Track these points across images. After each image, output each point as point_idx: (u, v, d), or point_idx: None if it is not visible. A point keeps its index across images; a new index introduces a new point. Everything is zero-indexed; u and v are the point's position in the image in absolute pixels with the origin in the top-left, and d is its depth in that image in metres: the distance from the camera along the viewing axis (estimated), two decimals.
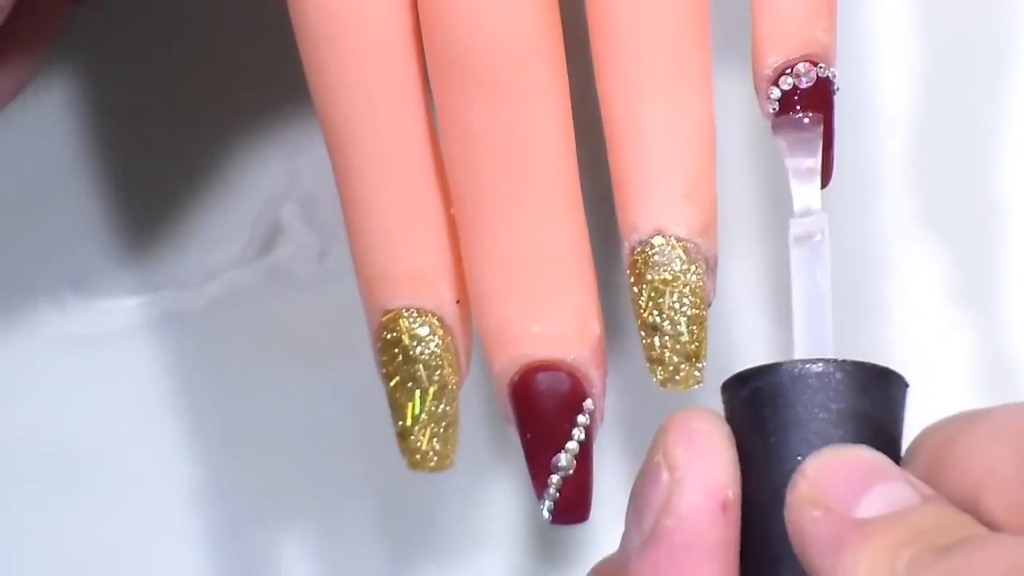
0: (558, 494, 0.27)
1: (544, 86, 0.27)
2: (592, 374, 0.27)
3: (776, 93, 0.28)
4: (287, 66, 0.37)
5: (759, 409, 0.26)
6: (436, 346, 0.28)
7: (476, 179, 0.27)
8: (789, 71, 0.28)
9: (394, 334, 0.28)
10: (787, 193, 0.30)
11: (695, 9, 0.28)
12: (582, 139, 0.29)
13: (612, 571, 0.27)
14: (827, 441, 0.26)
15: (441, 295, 0.28)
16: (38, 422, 0.38)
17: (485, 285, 0.28)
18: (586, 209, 0.29)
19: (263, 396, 0.37)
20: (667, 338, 0.27)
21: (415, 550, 0.37)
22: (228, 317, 0.38)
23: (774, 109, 0.28)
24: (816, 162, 0.28)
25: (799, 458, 0.26)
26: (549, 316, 0.27)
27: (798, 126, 0.28)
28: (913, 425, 0.28)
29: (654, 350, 0.27)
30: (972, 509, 0.25)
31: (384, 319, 0.28)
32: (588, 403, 0.27)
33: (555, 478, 0.27)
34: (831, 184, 0.29)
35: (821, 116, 0.28)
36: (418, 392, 0.28)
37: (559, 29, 0.28)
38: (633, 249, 0.28)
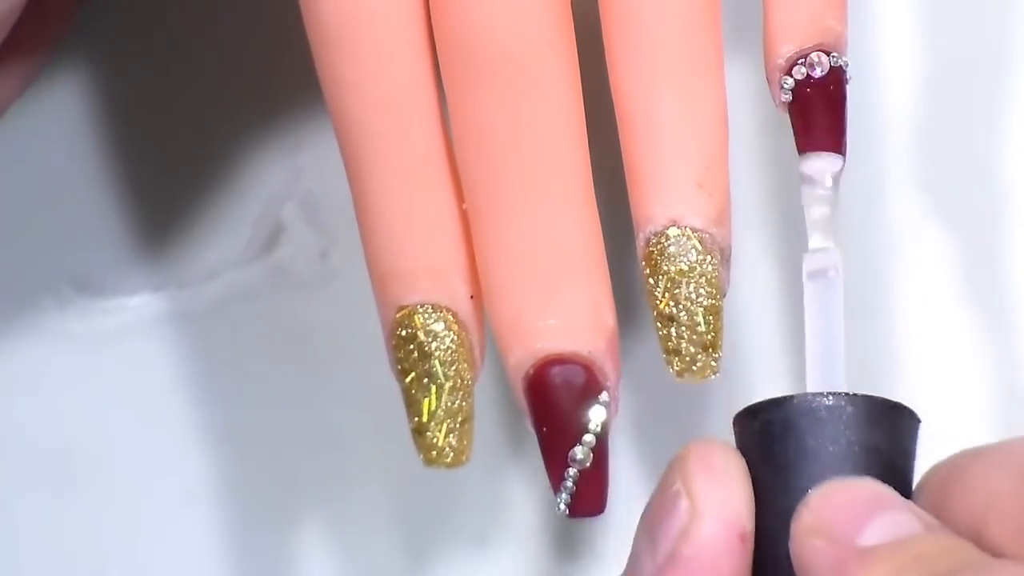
0: (575, 487, 0.27)
1: (556, 80, 0.27)
2: (607, 367, 0.28)
3: (789, 82, 0.28)
4: (289, 65, 0.37)
5: (770, 442, 0.27)
6: (451, 342, 0.28)
7: (489, 174, 0.28)
8: (802, 60, 0.28)
9: (409, 330, 0.28)
10: (793, 186, 0.30)
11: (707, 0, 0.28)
12: (594, 132, 0.29)
13: None
14: (836, 473, 0.26)
15: (456, 290, 0.28)
16: (39, 421, 0.38)
17: (499, 279, 0.28)
18: (597, 202, 0.29)
19: (264, 395, 0.37)
20: (684, 329, 0.27)
21: (416, 549, 0.37)
22: (229, 316, 0.38)
23: (787, 98, 0.28)
24: (830, 206, 0.28)
25: (808, 490, 0.26)
26: (563, 309, 0.27)
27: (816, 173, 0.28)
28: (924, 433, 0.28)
29: (671, 341, 0.27)
30: (976, 539, 0.25)
31: (399, 315, 0.28)
32: (604, 396, 0.27)
33: (572, 471, 0.27)
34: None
35: (839, 156, 0.28)
36: (434, 388, 0.28)
37: (571, 23, 0.28)
38: (648, 240, 0.28)
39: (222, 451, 0.37)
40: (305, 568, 0.37)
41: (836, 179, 0.29)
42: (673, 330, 0.27)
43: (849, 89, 0.28)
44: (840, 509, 0.26)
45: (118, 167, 0.38)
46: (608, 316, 0.28)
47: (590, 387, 0.27)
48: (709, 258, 0.27)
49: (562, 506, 0.27)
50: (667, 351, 0.27)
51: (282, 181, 0.38)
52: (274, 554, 0.37)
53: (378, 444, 0.37)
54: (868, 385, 0.28)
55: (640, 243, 0.28)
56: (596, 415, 0.27)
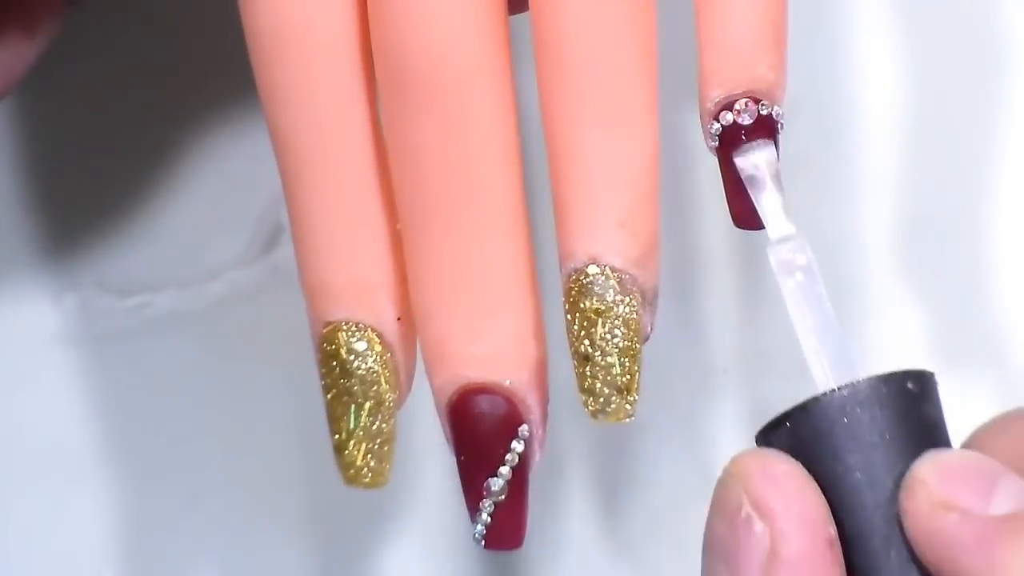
0: (490, 519, 0.26)
1: (488, 105, 0.27)
2: (530, 399, 0.27)
3: (716, 128, 0.27)
4: None
5: (828, 442, 0.26)
6: (373, 361, 0.27)
7: (420, 195, 0.27)
8: (729, 107, 0.27)
9: (332, 346, 0.27)
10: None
11: (641, 36, 0.27)
12: (540, 157, 0.28)
13: None
14: (909, 453, 0.26)
15: (381, 310, 0.27)
16: (39, 420, 0.38)
17: (426, 301, 0.27)
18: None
19: (264, 395, 0.37)
20: (598, 369, 0.26)
21: (416, 549, 0.37)
22: (230, 316, 0.37)
23: (715, 143, 0.27)
24: (779, 192, 0.27)
25: (885, 479, 0.26)
26: (487, 337, 0.27)
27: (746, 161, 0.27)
28: None
29: (586, 380, 0.26)
30: None
31: (324, 331, 0.27)
32: (523, 429, 0.26)
33: (487, 503, 0.26)
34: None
35: (767, 141, 0.27)
36: (353, 407, 0.27)
37: (507, 48, 0.27)
38: (569, 276, 0.27)
39: (222, 451, 0.37)
40: (305, 568, 0.37)
41: (774, 168, 0.27)
42: (588, 370, 0.26)
43: (781, 139, 0.27)
44: (960, 481, 0.25)
45: (118, 167, 0.38)
46: (531, 347, 0.27)
47: (509, 419, 0.26)
48: (628, 299, 0.26)
49: (477, 536, 0.27)
50: (582, 390, 0.27)
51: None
52: (274, 554, 0.37)
53: None
54: None
55: (562, 278, 0.27)
56: (514, 448, 0.26)
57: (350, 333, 0.27)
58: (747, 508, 0.26)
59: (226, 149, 0.38)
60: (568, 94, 0.27)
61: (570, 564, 0.36)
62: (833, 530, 0.26)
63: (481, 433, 0.26)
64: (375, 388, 0.27)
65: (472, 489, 0.26)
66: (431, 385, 0.27)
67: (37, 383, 0.38)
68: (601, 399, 0.26)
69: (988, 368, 0.36)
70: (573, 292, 0.26)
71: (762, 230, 0.27)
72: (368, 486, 0.27)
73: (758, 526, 0.25)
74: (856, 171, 0.36)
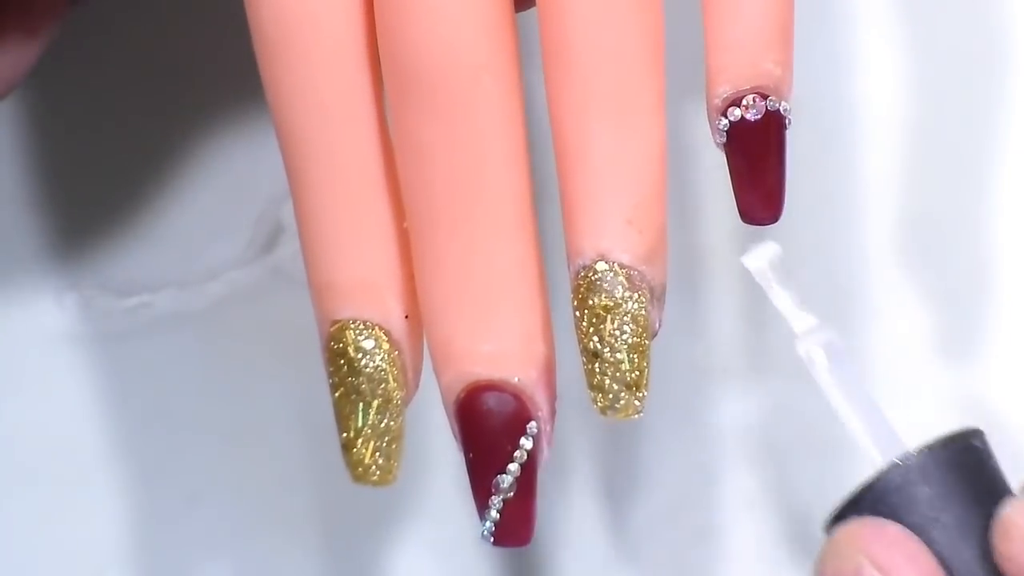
0: (499, 516, 0.26)
1: (495, 103, 0.27)
2: (538, 396, 0.27)
3: (724, 124, 0.27)
4: None
5: (909, 508, 0.28)
6: (381, 360, 0.27)
7: (427, 194, 0.27)
8: (737, 103, 0.27)
9: (340, 345, 0.27)
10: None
11: (648, 34, 0.27)
12: (547, 155, 0.28)
13: None
14: (988, 504, 0.28)
15: (388, 308, 0.27)
16: (40, 420, 0.38)
17: (434, 300, 0.27)
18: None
19: (264, 394, 0.37)
20: (607, 366, 0.26)
21: (416, 549, 0.37)
22: (230, 316, 0.38)
23: (722, 140, 0.28)
24: (787, 287, 0.29)
25: (975, 529, 0.28)
26: (495, 335, 0.27)
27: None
28: None
29: (595, 377, 0.27)
30: None
31: (332, 329, 0.27)
32: (532, 426, 0.27)
33: (496, 499, 0.26)
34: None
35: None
36: (361, 405, 0.27)
37: (514, 45, 0.27)
38: (577, 273, 0.27)
39: (222, 451, 0.37)
40: (305, 568, 0.37)
41: (778, 264, 0.29)
42: (597, 366, 0.27)
43: (788, 134, 0.28)
44: None
45: (119, 167, 0.38)
46: (540, 344, 0.27)
47: (518, 416, 0.27)
48: (636, 295, 0.27)
49: (486, 533, 0.27)
50: (591, 387, 0.27)
51: (282, 181, 0.37)
52: (274, 554, 0.37)
53: None
54: None
55: (570, 275, 0.27)
56: (523, 444, 0.26)
57: (358, 331, 0.27)
58: (869, 570, 0.27)
59: (226, 150, 0.38)
60: (576, 92, 0.27)
61: (569, 563, 0.36)
62: None
63: (489, 430, 0.26)
64: (383, 386, 0.27)
65: (481, 486, 0.26)
66: (439, 383, 0.27)
67: (37, 383, 0.38)
68: (610, 395, 0.26)
69: (991, 364, 0.36)
70: (582, 289, 0.27)
71: (768, 225, 0.28)
72: (376, 484, 0.27)
73: None
74: (857, 171, 0.36)
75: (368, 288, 0.27)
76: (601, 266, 0.26)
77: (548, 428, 0.27)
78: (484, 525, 0.26)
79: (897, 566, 0.27)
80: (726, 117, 0.27)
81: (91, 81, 0.38)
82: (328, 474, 0.37)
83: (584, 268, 0.27)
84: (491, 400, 0.26)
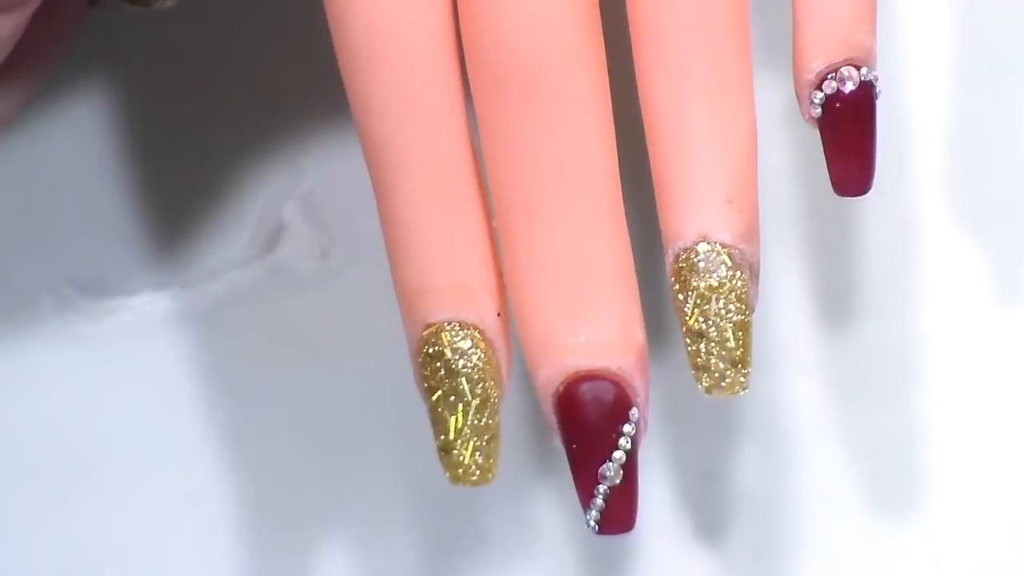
0: (605, 504, 0.27)
1: (588, 95, 0.27)
2: (637, 383, 0.28)
3: (819, 97, 0.28)
4: (291, 66, 0.37)
5: None
6: (479, 359, 0.28)
7: (521, 190, 0.28)
8: (832, 75, 0.28)
9: (436, 348, 0.28)
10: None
11: (737, 15, 0.28)
12: (620, 145, 0.29)
13: None
14: None
15: (483, 308, 0.28)
16: (40, 420, 0.38)
17: (529, 295, 0.28)
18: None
19: (264, 395, 0.37)
20: (713, 345, 0.27)
21: (416, 549, 0.37)
22: (230, 316, 0.38)
23: (817, 113, 0.28)
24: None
25: None
26: (594, 325, 0.27)
27: None
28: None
29: (699, 357, 0.27)
30: None
31: (425, 333, 0.28)
32: (634, 412, 0.27)
33: (602, 488, 0.27)
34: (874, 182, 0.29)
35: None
36: (460, 406, 0.28)
37: (601, 37, 0.28)
38: (677, 256, 0.28)
39: (223, 451, 0.37)
40: (304, 568, 0.37)
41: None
42: (702, 346, 0.27)
43: (879, 103, 0.29)
44: None
45: (119, 167, 0.38)
46: (638, 332, 0.28)
47: (620, 403, 0.27)
48: (739, 273, 0.27)
49: (591, 523, 0.27)
50: (696, 367, 0.28)
51: (282, 181, 0.38)
52: (273, 554, 0.37)
53: (379, 444, 0.37)
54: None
55: (669, 258, 0.28)
56: (626, 431, 0.27)
57: (454, 333, 0.28)
58: None
59: (227, 149, 0.38)
60: (672, 75, 0.27)
61: (567, 562, 0.37)
62: None
63: (593, 420, 0.27)
64: (481, 385, 0.28)
65: (585, 476, 0.27)
66: (535, 377, 0.28)
67: (37, 383, 0.38)
68: (716, 374, 0.27)
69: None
70: (684, 271, 0.27)
71: (861, 195, 0.28)
72: (476, 484, 0.28)
73: None
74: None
75: (463, 289, 0.28)
76: (703, 247, 0.27)
77: (646, 412, 0.28)
78: (589, 515, 0.27)
79: None
80: (822, 90, 0.28)
81: (91, 82, 0.38)
82: (325, 474, 0.37)
83: (685, 250, 0.27)
84: (593, 390, 0.27)
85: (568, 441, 0.28)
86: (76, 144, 0.38)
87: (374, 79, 0.28)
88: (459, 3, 0.28)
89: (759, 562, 0.36)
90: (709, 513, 0.36)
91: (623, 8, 0.29)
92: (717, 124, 0.28)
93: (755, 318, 0.36)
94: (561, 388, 0.28)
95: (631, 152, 0.29)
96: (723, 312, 0.27)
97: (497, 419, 0.28)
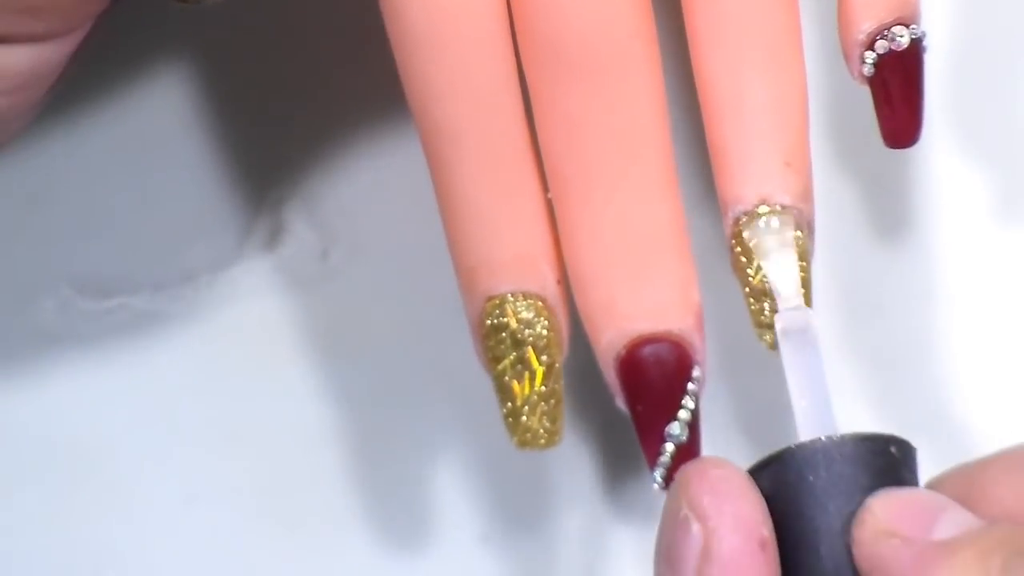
0: (671, 462, 0.28)
1: (642, 68, 0.28)
2: (696, 342, 0.29)
3: (872, 57, 0.29)
4: (291, 65, 0.38)
5: (804, 484, 0.27)
6: (543, 327, 0.29)
7: (578, 162, 0.28)
8: (884, 35, 0.29)
9: (501, 319, 0.29)
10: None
11: None
12: None
13: None
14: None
15: (545, 277, 0.29)
16: (39, 421, 0.37)
17: (590, 264, 0.29)
18: None
19: (264, 395, 0.37)
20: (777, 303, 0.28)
21: (416, 549, 0.37)
22: (230, 316, 0.38)
23: (870, 72, 0.29)
24: (795, 267, 0.29)
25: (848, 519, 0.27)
26: (655, 289, 0.28)
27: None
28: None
29: (763, 315, 0.28)
30: None
31: (488, 305, 0.29)
32: (696, 370, 0.28)
33: (669, 447, 0.28)
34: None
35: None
36: (527, 374, 0.29)
37: (651, 9, 0.29)
38: (738, 219, 0.29)
39: (223, 451, 0.37)
40: (305, 568, 0.37)
41: (802, 234, 0.29)
42: (766, 304, 0.28)
43: (925, 58, 0.30)
44: (905, 512, 0.26)
45: (119, 167, 0.38)
46: (695, 293, 0.29)
47: (683, 363, 0.28)
48: (799, 233, 0.28)
49: (658, 480, 0.28)
50: (759, 325, 0.29)
51: (283, 181, 0.38)
52: (273, 554, 0.37)
53: (379, 444, 0.37)
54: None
55: (728, 222, 0.29)
56: (690, 390, 0.28)
57: (518, 303, 0.29)
58: (684, 510, 0.27)
59: (226, 148, 0.38)
60: (729, 41, 0.29)
61: (564, 563, 0.37)
62: (767, 531, 0.26)
63: (658, 381, 0.28)
64: (546, 353, 0.29)
65: (651, 437, 0.28)
66: (597, 343, 0.29)
67: (37, 383, 0.37)
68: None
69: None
70: (746, 233, 0.28)
71: (910, 147, 0.30)
72: (544, 447, 0.29)
73: (694, 527, 0.26)
74: None
75: (525, 260, 0.29)
76: (764, 209, 0.28)
77: (704, 370, 0.29)
78: (656, 473, 0.28)
79: (707, 510, 0.26)
80: (873, 50, 0.29)
81: (89, 82, 0.38)
82: (319, 474, 0.37)
83: (746, 214, 0.28)
84: (657, 352, 0.28)
85: (633, 403, 0.28)
86: (76, 144, 0.38)
87: (432, 63, 0.29)
88: None
89: None
90: None
91: None
92: (773, 88, 0.29)
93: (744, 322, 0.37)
94: (624, 352, 0.28)
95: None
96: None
97: (561, 383, 0.29)
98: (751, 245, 0.28)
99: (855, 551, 0.26)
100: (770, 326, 0.28)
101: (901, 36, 0.29)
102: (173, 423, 0.38)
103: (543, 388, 0.29)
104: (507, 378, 0.29)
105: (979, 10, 0.37)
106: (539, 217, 0.29)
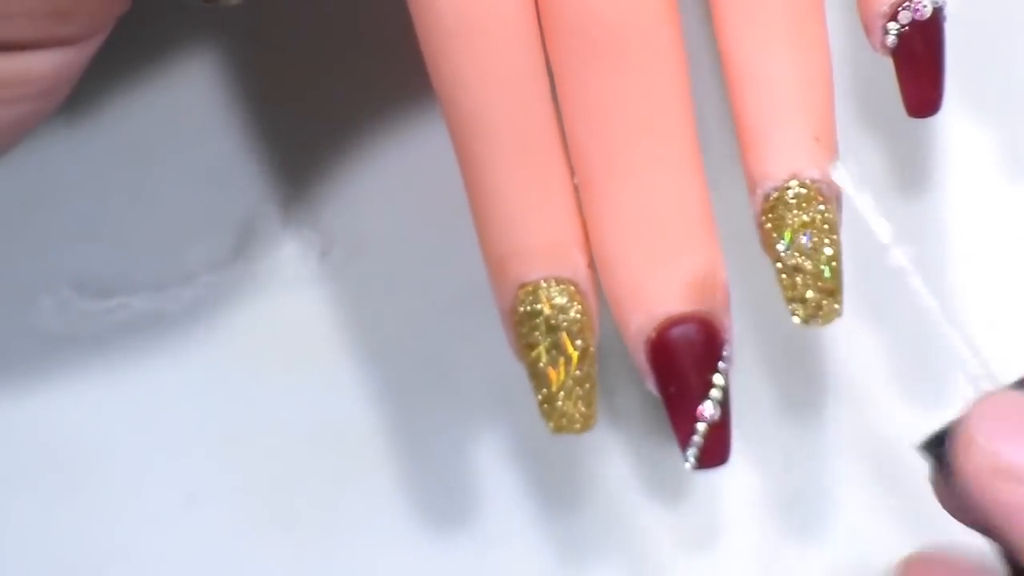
0: (703, 441, 0.29)
1: (671, 49, 0.29)
2: (725, 320, 0.29)
3: (895, 27, 0.29)
4: (288, 65, 0.38)
5: None
6: (576, 312, 0.29)
7: (606, 147, 0.29)
8: (907, 5, 0.29)
9: (535, 306, 0.29)
10: None
11: None
12: None
13: None
14: None
15: (577, 262, 0.29)
16: (39, 421, 0.37)
17: (618, 246, 0.29)
18: None
19: (264, 395, 0.38)
20: (809, 277, 0.29)
21: (415, 549, 0.37)
22: (230, 316, 0.38)
23: (893, 43, 0.29)
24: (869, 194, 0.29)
25: None
26: (685, 271, 0.29)
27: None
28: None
29: (795, 290, 0.29)
30: None
31: (521, 292, 0.29)
32: (726, 349, 0.29)
33: (701, 426, 0.28)
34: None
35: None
36: (562, 360, 0.29)
37: None
38: (767, 196, 0.29)
39: (223, 451, 0.37)
40: (304, 568, 0.37)
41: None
42: (798, 279, 0.29)
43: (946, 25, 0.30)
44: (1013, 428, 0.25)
45: (119, 167, 0.38)
46: (723, 272, 0.29)
47: (713, 343, 0.29)
48: (829, 207, 0.29)
49: (691, 460, 0.29)
50: (792, 300, 0.29)
51: (283, 181, 0.38)
52: (274, 554, 0.37)
53: (378, 444, 0.37)
54: None
55: (758, 199, 0.29)
56: (721, 369, 0.29)
57: (552, 289, 0.29)
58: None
59: (226, 148, 0.38)
60: (754, 18, 0.29)
61: (568, 562, 0.37)
62: None
63: (690, 362, 0.28)
64: (580, 337, 0.29)
65: (683, 417, 0.29)
66: (626, 327, 0.29)
67: (36, 383, 0.37)
68: (813, 304, 0.28)
69: None
70: (778, 208, 0.29)
71: (933, 115, 0.30)
72: (580, 431, 0.29)
73: None
74: None
75: (557, 246, 0.29)
76: (795, 184, 0.29)
77: (732, 348, 0.29)
78: (688, 453, 0.29)
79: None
80: (897, 20, 0.29)
81: (87, 83, 0.37)
82: (314, 474, 0.37)
83: (776, 189, 0.29)
84: (687, 333, 0.28)
85: (665, 385, 0.29)
86: (76, 144, 0.38)
87: (463, 54, 0.29)
88: None
89: (767, 564, 0.37)
90: (706, 513, 0.37)
91: None
92: (800, 63, 0.29)
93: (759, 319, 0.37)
94: (654, 335, 0.29)
95: None
96: (818, 245, 0.29)
97: (595, 367, 0.29)
98: (785, 220, 0.29)
99: (961, 484, 0.25)
100: (802, 300, 0.29)
101: (924, 5, 0.29)
102: (173, 423, 0.38)
103: (578, 372, 0.29)
104: (542, 364, 0.29)
105: None
106: (569, 203, 0.29)
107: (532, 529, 0.37)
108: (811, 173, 0.29)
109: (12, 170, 0.37)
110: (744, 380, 0.34)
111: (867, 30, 0.30)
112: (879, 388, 0.36)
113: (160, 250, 0.38)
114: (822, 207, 0.29)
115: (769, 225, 0.29)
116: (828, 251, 0.29)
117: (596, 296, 0.30)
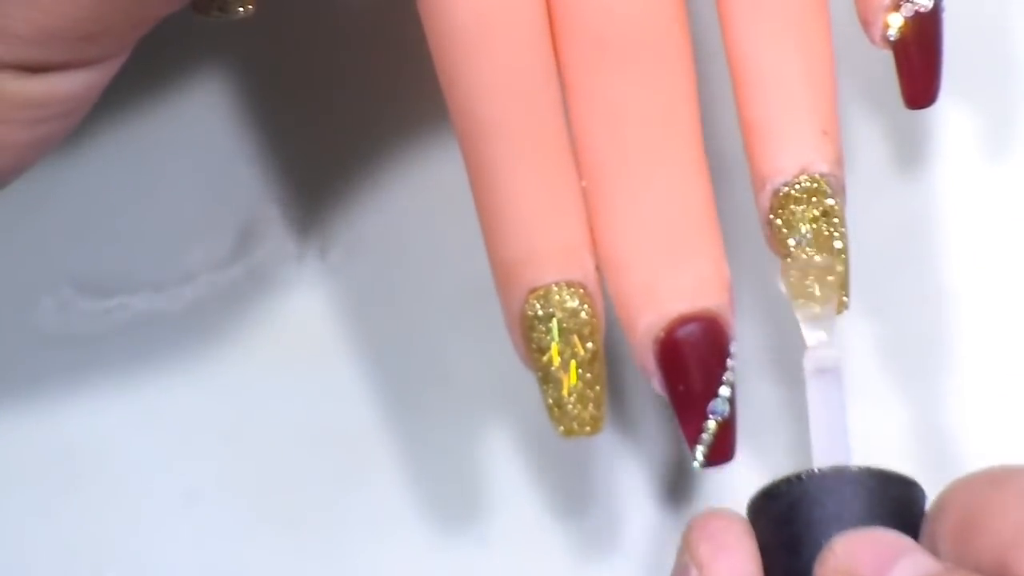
0: (712, 439, 0.29)
1: (681, 51, 0.29)
2: (731, 317, 0.29)
3: (898, 21, 0.29)
4: (288, 67, 0.38)
5: (783, 515, 0.28)
6: (586, 315, 0.29)
7: (617, 149, 0.29)
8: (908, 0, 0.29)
9: (546, 310, 0.29)
10: None
11: None
12: None
13: None
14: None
15: (587, 265, 0.29)
16: (39, 420, 0.37)
17: (628, 248, 0.29)
18: None
19: (263, 394, 0.38)
20: (819, 271, 0.29)
21: (415, 549, 0.37)
22: (229, 316, 0.38)
23: (893, 35, 0.29)
24: (827, 309, 0.29)
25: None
26: (693, 269, 0.29)
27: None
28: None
29: (804, 284, 0.29)
30: (1000, 571, 0.26)
31: (532, 297, 0.29)
32: (733, 346, 0.29)
33: (711, 424, 0.29)
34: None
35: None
36: (574, 363, 0.29)
37: None
38: (776, 192, 0.29)
39: (223, 451, 0.37)
40: (304, 568, 0.37)
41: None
42: (809, 273, 0.29)
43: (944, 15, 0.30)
44: (865, 553, 0.27)
45: (119, 167, 0.38)
46: (727, 269, 0.29)
47: (722, 340, 0.29)
48: (838, 200, 0.29)
49: (700, 458, 0.29)
50: (799, 296, 0.29)
51: (282, 181, 0.38)
52: (274, 554, 0.37)
53: (379, 444, 0.37)
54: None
55: (766, 195, 0.29)
56: (730, 365, 0.29)
57: (563, 293, 0.29)
58: (687, 557, 0.28)
59: (226, 148, 0.38)
60: (761, 18, 0.29)
61: (567, 562, 0.37)
62: None
63: (700, 360, 0.29)
64: (591, 340, 0.29)
65: (692, 416, 0.29)
66: (634, 327, 0.29)
67: (36, 383, 0.37)
68: (821, 299, 0.29)
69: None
70: (788, 203, 0.29)
71: (930, 106, 0.30)
72: (589, 434, 0.29)
73: (693, 572, 0.28)
74: None
75: (568, 250, 0.29)
76: (805, 179, 0.29)
77: (738, 346, 0.29)
78: (697, 451, 0.29)
79: (704, 560, 0.28)
80: (900, 13, 0.29)
81: None
82: (311, 474, 0.37)
83: (786, 184, 0.29)
84: (696, 331, 0.29)
85: (673, 384, 0.29)
86: (76, 145, 0.38)
87: (475, 60, 0.29)
88: None
89: None
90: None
91: None
92: (805, 59, 0.29)
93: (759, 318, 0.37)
94: (663, 334, 0.29)
95: None
96: (828, 239, 0.29)
97: (605, 368, 0.29)
98: (795, 215, 0.29)
99: None
100: (811, 295, 0.29)
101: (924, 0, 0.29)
102: (173, 423, 0.38)
103: (588, 375, 0.29)
104: (554, 368, 0.29)
105: None
106: (578, 206, 0.29)
107: (532, 529, 0.37)
108: (820, 167, 0.29)
109: (34, 169, 0.37)
110: (744, 380, 0.34)
111: (865, 23, 0.30)
112: (879, 387, 0.36)
113: (160, 250, 0.38)
114: (831, 200, 0.29)
115: (779, 221, 0.29)
116: (838, 244, 0.29)
117: (602, 296, 0.30)
